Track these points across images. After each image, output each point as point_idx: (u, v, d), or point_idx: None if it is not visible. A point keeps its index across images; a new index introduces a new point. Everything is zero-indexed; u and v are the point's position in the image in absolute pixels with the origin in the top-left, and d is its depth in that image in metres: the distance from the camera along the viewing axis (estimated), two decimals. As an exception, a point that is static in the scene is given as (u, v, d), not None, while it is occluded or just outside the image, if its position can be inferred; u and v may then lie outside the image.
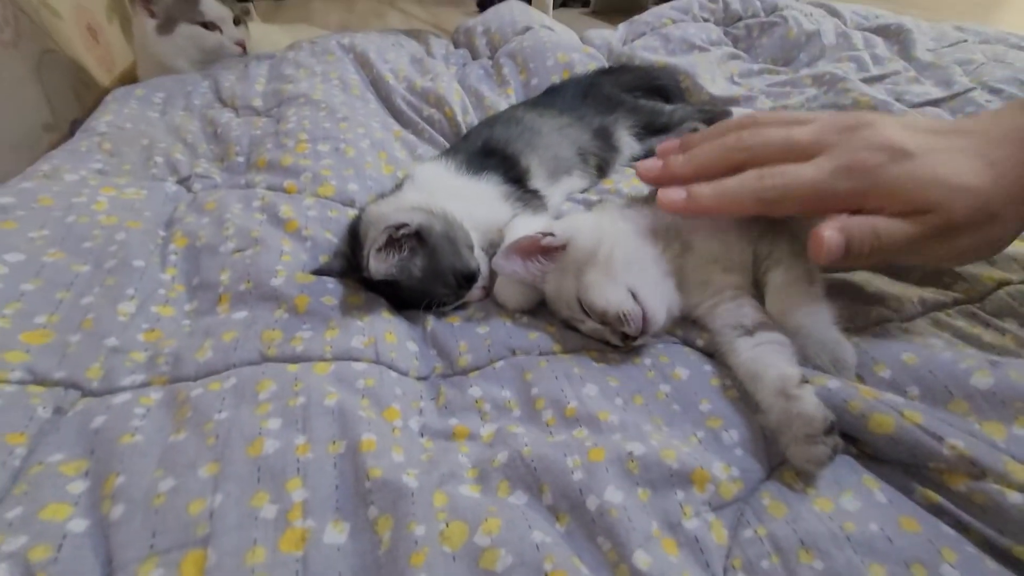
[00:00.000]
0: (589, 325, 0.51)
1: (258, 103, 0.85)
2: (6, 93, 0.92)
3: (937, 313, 0.53)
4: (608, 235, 0.52)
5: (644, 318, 0.49)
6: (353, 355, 0.46)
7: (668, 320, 0.51)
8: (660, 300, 0.50)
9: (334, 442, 0.38)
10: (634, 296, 0.49)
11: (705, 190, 0.43)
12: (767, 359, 0.45)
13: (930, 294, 0.54)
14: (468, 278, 0.55)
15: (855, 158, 0.39)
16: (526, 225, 0.58)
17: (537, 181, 0.67)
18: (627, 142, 0.82)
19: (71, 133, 0.80)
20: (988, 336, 0.49)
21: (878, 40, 1.16)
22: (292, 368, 0.43)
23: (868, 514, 0.36)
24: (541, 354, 0.50)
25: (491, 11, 1.16)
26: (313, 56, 0.97)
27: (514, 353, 0.51)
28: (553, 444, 0.41)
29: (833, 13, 1.24)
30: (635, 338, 0.49)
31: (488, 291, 0.58)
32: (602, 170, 0.78)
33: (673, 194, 0.45)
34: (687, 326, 0.54)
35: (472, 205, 0.59)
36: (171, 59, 1.05)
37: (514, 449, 0.40)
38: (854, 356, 0.46)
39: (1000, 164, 0.37)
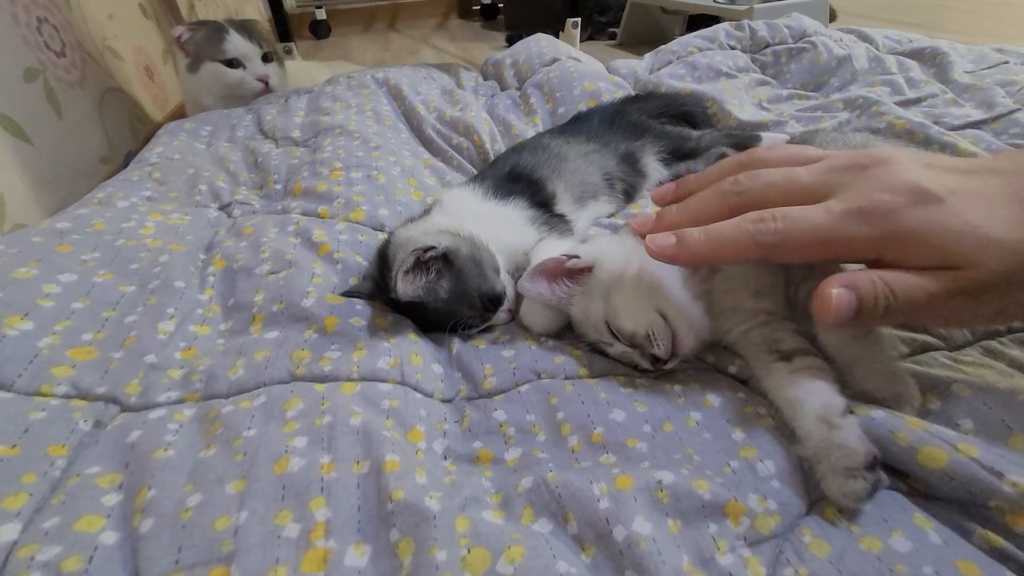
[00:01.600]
0: (617, 348, 0.50)
1: (296, 134, 0.89)
2: (72, 128, 1.00)
3: (989, 341, 0.50)
4: (635, 257, 0.52)
5: (674, 339, 0.48)
6: (379, 376, 0.46)
7: (699, 344, 0.50)
8: (690, 321, 0.49)
9: (358, 462, 0.38)
10: (663, 318, 0.48)
11: (696, 234, 0.39)
12: (808, 385, 0.43)
13: None
14: (494, 300, 0.55)
15: (871, 200, 0.34)
16: (552, 248, 0.58)
17: (563, 206, 0.68)
18: (654, 167, 0.82)
19: (125, 164, 0.85)
20: (1046, 366, 0.46)
21: (912, 64, 1.14)
22: (320, 387, 0.43)
23: (921, 556, 0.33)
24: (567, 378, 0.50)
25: (519, 44, 1.20)
26: (349, 90, 1.02)
27: (540, 377, 0.50)
28: (579, 471, 0.39)
29: (864, 39, 1.22)
30: (665, 361, 0.48)
31: (514, 314, 0.58)
32: (629, 195, 0.78)
33: (661, 240, 0.40)
34: (718, 351, 0.52)
35: (499, 229, 0.60)
36: (199, 96, 1.11)
37: (539, 475, 0.39)
38: (917, 391, 0.43)
39: None
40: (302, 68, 1.52)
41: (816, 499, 0.38)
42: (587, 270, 0.53)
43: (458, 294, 0.53)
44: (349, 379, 0.45)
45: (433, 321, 0.55)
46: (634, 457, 0.40)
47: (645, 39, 2.12)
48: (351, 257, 0.61)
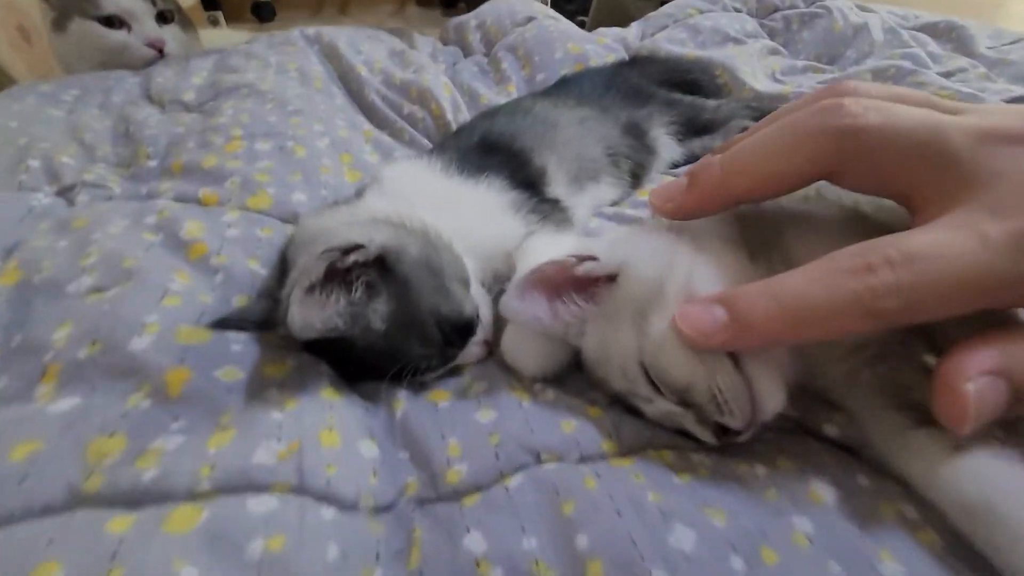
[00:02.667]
0: (659, 407, 0.31)
1: (190, 97, 0.66)
2: None
3: None
4: (683, 262, 0.33)
5: (753, 400, 0.29)
6: (254, 480, 0.25)
7: (786, 399, 0.31)
8: (778, 366, 0.30)
9: None
10: (735, 363, 0.29)
11: (761, 304, 0.25)
12: (998, 472, 0.25)
13: None
14: (461, 329, 0.35)
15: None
16: (549, 246, 0.38)
17: (557, 187, 0.49)
18: (665, 143, 0.64)
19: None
20: None
21: (927, 38, 1.01)
22: (117, 526, 0.22)
23: None
24: (584, 460, 0.30)
25: (486, 5, 1.00)
26: (270, 48, 0.79)
27: (539, 459, 0.30)
28: None
29: (866, 11, 1.09)
30: (738, 433, 0.29)
31: (492, 347, 0.38)
32: (637, 178, 0.59)
33: (698, 315, 0.27)
34: (803, 399, 0.34)
35: (467, 219, 0.40)
36: (70, 62, 0.85)
37: None
38: None
39: None
40: (225, 37, 1.27)
41: None
42: (607, 279, 0.33)
43: (404, 322, 0.33)
44: (190, 495, 0.24)
45: (366, 365, 0.34)
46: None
47: (615, 24, 1.96)
48: (240, 263, 0.39)
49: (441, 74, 0.78)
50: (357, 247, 0.31)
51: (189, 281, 0.37)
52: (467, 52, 0.95)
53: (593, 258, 0.33)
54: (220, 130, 0.55)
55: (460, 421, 0.32)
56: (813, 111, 0.26)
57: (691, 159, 0.65)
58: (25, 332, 0.32)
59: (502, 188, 0.44)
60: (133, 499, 0.23)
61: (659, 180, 0.62)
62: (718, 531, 0.26)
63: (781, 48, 0.95)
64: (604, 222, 0.53)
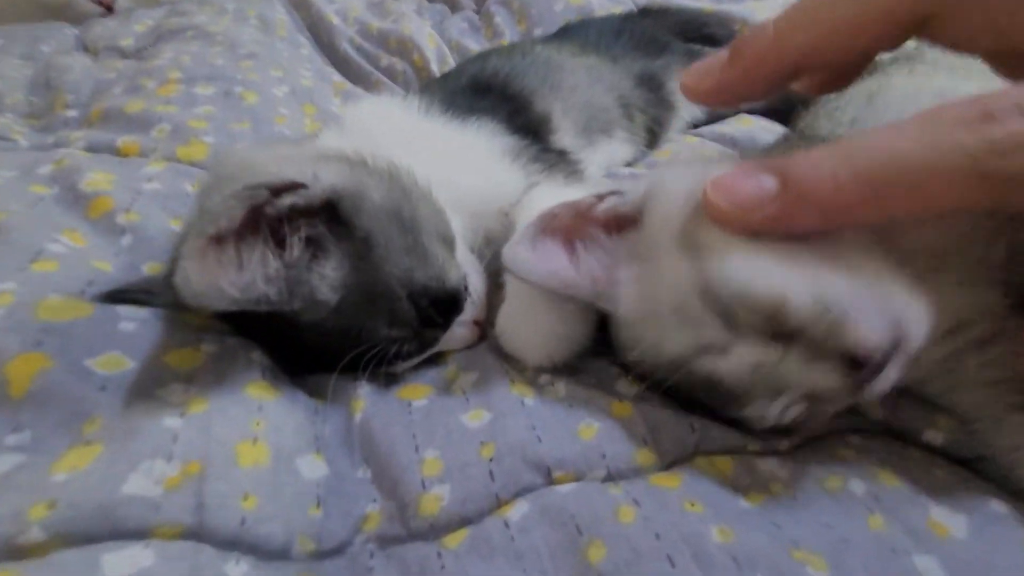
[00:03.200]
0: (743, 356, 0.21)
1: (128, 43, 0.56)
2: None
3: None
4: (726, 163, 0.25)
5: (886, 311, 0.20)
6: (124, 524, 0.17)
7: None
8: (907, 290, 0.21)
9: None
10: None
11: (828, 168, 0.18)
12: None
13: None
14: (444, 304, 0.27)
15: None
16: (555, 195, 0.30)
17: (563, 136, 0.40)
18: (684, 98, 0.55)
19: None
20: None
21: None
22: None
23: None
24: (614, 477, 0.22)
25: (477, -41, 0.90)
26: (230, -5, 0.69)
27: (551, 478, 0.22)
28: None
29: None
30: (878, 368, 0.19)
31: (483, 329, 0.29)
32: (653, 135, 0.51)
33: (738, 184, 0.20)
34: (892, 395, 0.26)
35: (452, 165, 0.31)
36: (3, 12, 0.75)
37: None
38: None
39: None
40: None
41: None
42: (634, 222, 0.25)
43: (364, 293, 0.24)
44: (19, 551, 0.16)
45: (314, 351, 0.25)
46: None
47: None
48: (157, 222, 0.30)
49: (426, 24, 0.69)
50: (295, 186, 0.22)
51: (85, 243, 0.28)
52: (455, 8, 0.86)
53: (619, 192, 0.25)
54: (154, 73, 0.45)
55: (442, 426, 0.24)
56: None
57: (715, 118, 0.56)
58: None
59: (496, 132, 0.35)
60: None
61: (679, 139, 0.53)
62: (794, 567, 0.18)
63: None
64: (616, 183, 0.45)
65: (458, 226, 0.30)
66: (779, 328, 0.20)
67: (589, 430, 0.23)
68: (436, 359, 0.29)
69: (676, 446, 0.23)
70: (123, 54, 0.55)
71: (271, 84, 0.47)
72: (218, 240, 0.19)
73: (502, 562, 0.19)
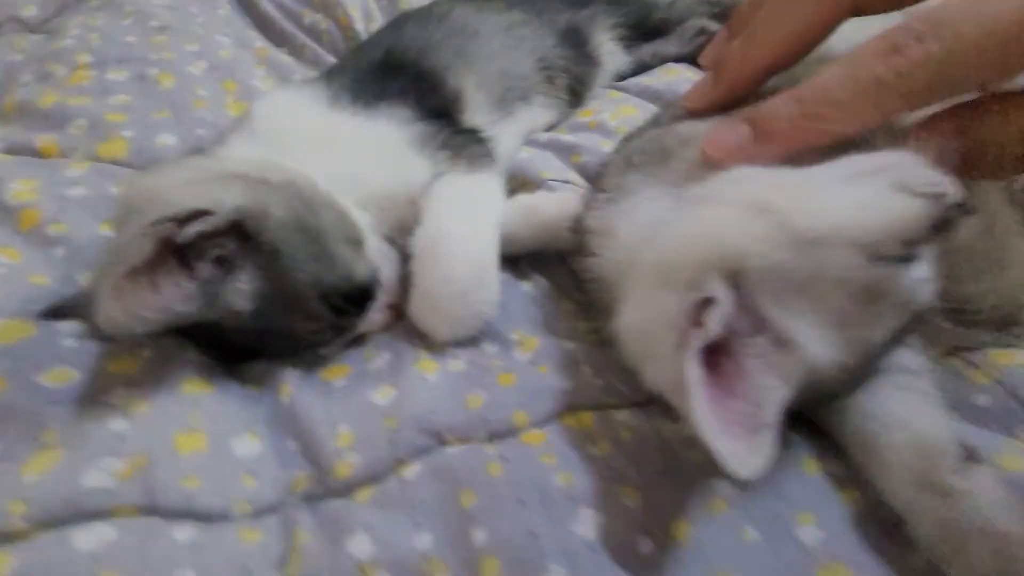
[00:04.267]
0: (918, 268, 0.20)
1: (31, 12, 0.54)
2: None
3: None
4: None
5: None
6: (86, 507, 0.21)
7: None
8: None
9: None
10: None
11: (783, 109, 0.24)
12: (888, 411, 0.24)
13: None
14: (356, 297, 0.31)
15: None
16: (458, 187, 0.33)
17: (476, 113, 0.42)
18: (610, 51, 0.56)
19: None
20: None
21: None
22: None
23: None
24: (494, 438, 0.27)
25: None
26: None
27: (443, 441, 0.27)
28: None
29: None
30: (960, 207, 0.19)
31: (399, 309, 0.33)
32: (576, 95, 0.52)
33: (724, 135, 0.25)
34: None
35: (360, 162, 0.34)
36: None
37: None
38: None
39: None
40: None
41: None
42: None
43: (278, 299, 0.28)
44: (6, 536, 0.20)
45: (242, 347, 0.29)
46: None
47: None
48: (88, 230, 0.33)
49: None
50: (200, 213, 0.25)
51: (19, 259, 0.31)
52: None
53: (708, 299, 0.20)
54: (62, 57, 0.45)
55: (355, 403, 0.29)
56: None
57: (640, 69, 0.57)
58: None
59: (405, 120, 0.36)
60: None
61: (603, 95, 0.54)
62: (628, 513, 0.24)
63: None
64: (538, 151, 0.47)
65: (368, 220, 0.33)
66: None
67: (477, 400, 0.28)
68: (358, 340, 0.33)
69: (551, 406, 0.29)
70: (27, 26, 0.53)
71: (187, 61, 0.47)
72: (132, 276, 0.23)
73: (398, 511, 0.24)
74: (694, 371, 0.19)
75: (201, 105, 0.44)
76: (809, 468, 0.26)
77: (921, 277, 0.21)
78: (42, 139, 0.38)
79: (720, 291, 0.20)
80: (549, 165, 0.44)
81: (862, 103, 0.22)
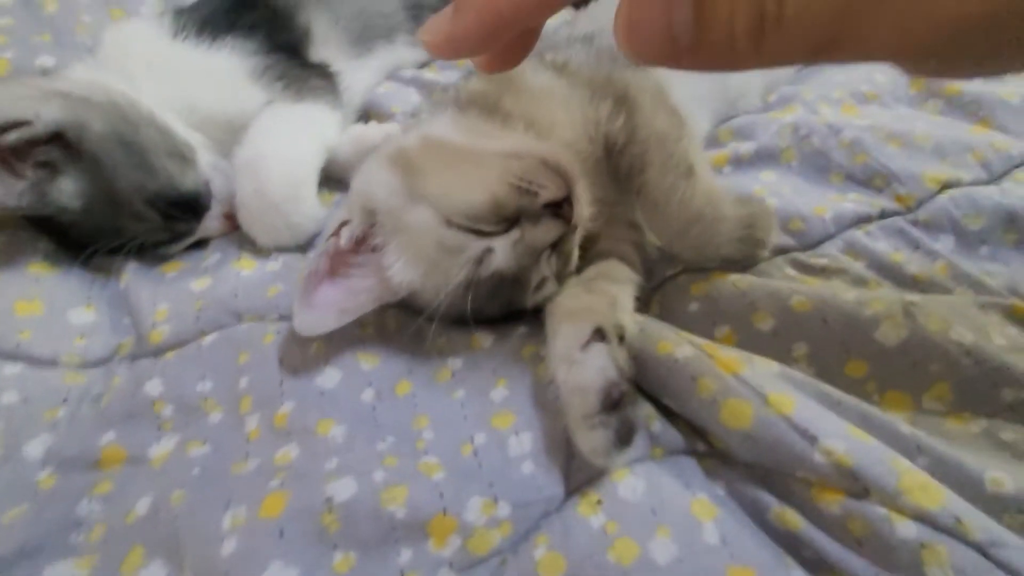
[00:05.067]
0: (503, 247, 0.29)
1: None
2: None
3: (854, 231, 0.39)
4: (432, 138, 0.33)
5: (555, 167, 0.29)
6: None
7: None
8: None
9: None
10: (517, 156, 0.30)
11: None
12: (570, 305, 0.30)
13: (851, 203, 0.40)
14: (186, 205, 0.37)
15: None
16: (283, 115, 0.38)
17: (325, 49, 0.46)
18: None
19: None
20: (915, 263, 0.37)
21: None
22: None
23: (684, 568, 0.24)
24: (283, 318, 0.34)
25: None
26: None
27: (240, 320, 0.34)
28: (227, 482, 0.26)
29: None
30: (566, 203, 0.29)
31: (234, 220, 0.40)
32: (448, 34, 0.55)
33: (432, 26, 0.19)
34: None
35: (193, 88, 0.39)
36: None
37: (165, 491, 0.26)
38: (770, 219, 0.34)
39: None
40: None
41: (581, 481, 0.27)
42: (367, 231, 0.31)
43: (104, 200, 0.34)
44: None
45: (88, 240, 0.36)
46: (321, 452, 0.27)
47: None
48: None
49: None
50: (20, 123, 0.30)
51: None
52: None
53: (345, 221, 0.31)
54: (-48, -21, 0.48)
55: (176, 289, 0.36)
56: None
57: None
58: None
59: (247, 52, 0.41)
60: None
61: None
62: (363, 371, 0.31)
63: None
64: (399, 87, 0.52)
65: (201, 140, 0.39)
66: (507, 215, 0.29)
67: (274, 290, 0.35)
68: (203, 244, 0.40)
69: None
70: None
71: (73, -15, 0.50)
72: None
73: (191, 365, 0.32)
74: (317, 264, 0.29)
75: (82, 30, 0.48)
76: (525, 353, 0.33)
77: (495, 248, 0.29)
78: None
79: (356, 218, 0.30)
80: (403, 100, 0.49)
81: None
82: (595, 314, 0.30)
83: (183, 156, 0.37)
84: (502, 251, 0.29)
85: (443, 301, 0.29)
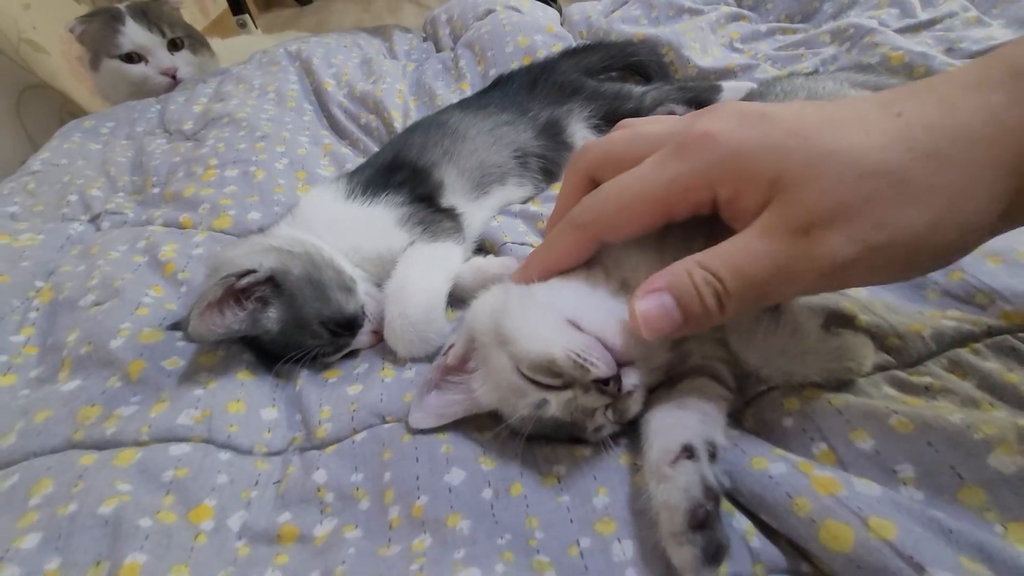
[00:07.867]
0: (558, 399, 0.33)
1: (188, 126, 0.80)
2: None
3: (959, 351, 0.38)
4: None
5: (608, 347, 0.33)
6: (176, 434, 0.39)
7: (653, 349, 0.35)
8: (615, 317, 0.34)
9: (98, 563, 0.31)
10: (577, 329, 0.33)
11: (535, 256, 0.37)
12: (663, 419, 0.33)
13: (952, 321, 0.39)
14: (347, 324, 0.47)
15: (692, 132, 0.28)
16: (423, 252, 0.48)
17: (453, 196, 0.57)
18: (583, 136, 0.69)
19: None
20: (1033, 385, 0.35)
21: (927, -23, 0.94)
22: (86, 460, 0.36)
23: None
24: (414, 421, 0.41)
25: (458, -5, 1.05)
26: (259, 68, 0.91)
27: (384, 420, 0.42)
28: (377, 563, 0.31)
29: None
30: (615, 380, 0.32)
31: (381, 335, 0.49)
32: (550, 173, 0.66)
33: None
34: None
35: (357, 237, 0.50)
36: (108, 94, 1.02)
37: (328, 567, 0.32)
38: (869, 350, 0.35)
39: (910, 114, 0.24)
40: (248, 44, 1.41)
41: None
42: (469, 354, 0.38)
43: (294, 323, 0.45)
44: (136, 443, 0.38)
45: (276, 353, 0.47)
46: (450, 541, 0.32)
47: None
48: (201, 276, 0.53)
49: (399, 79, 0.87)
50: (250, 271, 0.43)
51: (162, 293, 0.51)
52: (438, 47, 1.02)
53: (451, 344, 0.39)
54: (201, 160, 0.68)
55: (336, 393, 0.44)
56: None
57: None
58: (54, 336, 0.48)
59: (397, 204, 0.53)
60: (100, 443, 0.38)
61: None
62: (483, 471, 0.36)
63: (747, 12, 0.94)
64: (508, 219, 0.61)
65: (361, 275, 0.50)
66: (553, 373, 0.32)
67: (409, 395, 0.43)
68: (354, 354, 0.49)
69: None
70: (186, 136, 0.79)
71: (275, 159, 0.68)
72: (209, 307, 0.41)
73: (346, 458, 0.39)
74: (431, 375, 0.38)
75: (279, 191, 0.64)
76: (622, 460, 0.36)
77: (551, 401, 0.33)
78: (184, 217, 0.60)
79: (460, 342, 0.38)
80: (512, 231, 0.59)
81: (567, 242, 0.35)
82: (685, 430, 0.32)
83: (349, 288, 0.47)
84: (556, 405, 0.33)
85: (515, 425, 0.36)
